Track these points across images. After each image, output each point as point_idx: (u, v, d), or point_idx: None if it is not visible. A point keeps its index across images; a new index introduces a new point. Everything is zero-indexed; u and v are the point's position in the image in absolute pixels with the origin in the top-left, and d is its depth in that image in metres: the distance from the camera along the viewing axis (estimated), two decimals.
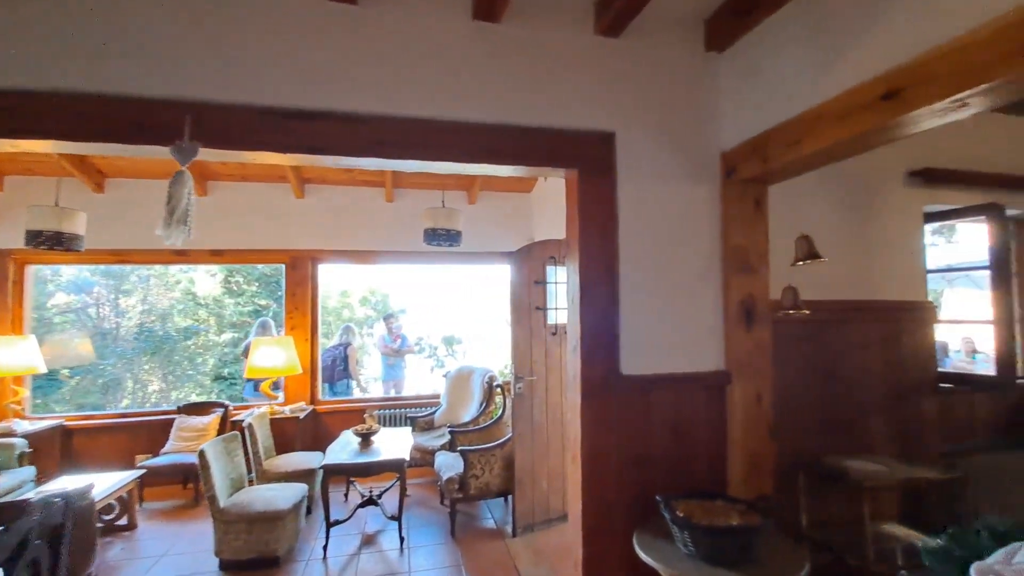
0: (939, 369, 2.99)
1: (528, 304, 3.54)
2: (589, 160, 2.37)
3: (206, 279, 9.51)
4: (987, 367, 4.64)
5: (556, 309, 3.61)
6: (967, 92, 1.48)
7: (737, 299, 2.41)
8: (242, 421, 4.04)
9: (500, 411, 4.14)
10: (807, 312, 2.50)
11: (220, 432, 4.38)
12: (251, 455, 3.85)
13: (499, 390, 4.46)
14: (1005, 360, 2.79)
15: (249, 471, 3.80)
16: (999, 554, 0.68)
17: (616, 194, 2.37)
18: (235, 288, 9.53)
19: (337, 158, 2.15)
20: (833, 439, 2.79)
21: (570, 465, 2.42)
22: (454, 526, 3.57)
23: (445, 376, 5.09)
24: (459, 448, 3.60)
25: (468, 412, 4.49)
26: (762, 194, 2.48)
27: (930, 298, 3.08)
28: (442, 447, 4.13)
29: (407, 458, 3.50)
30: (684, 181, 2.45)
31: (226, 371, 9.01)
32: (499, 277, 8.20)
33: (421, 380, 8.95)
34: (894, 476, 2.35)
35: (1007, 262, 2.88)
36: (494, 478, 3.52)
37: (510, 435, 3.55)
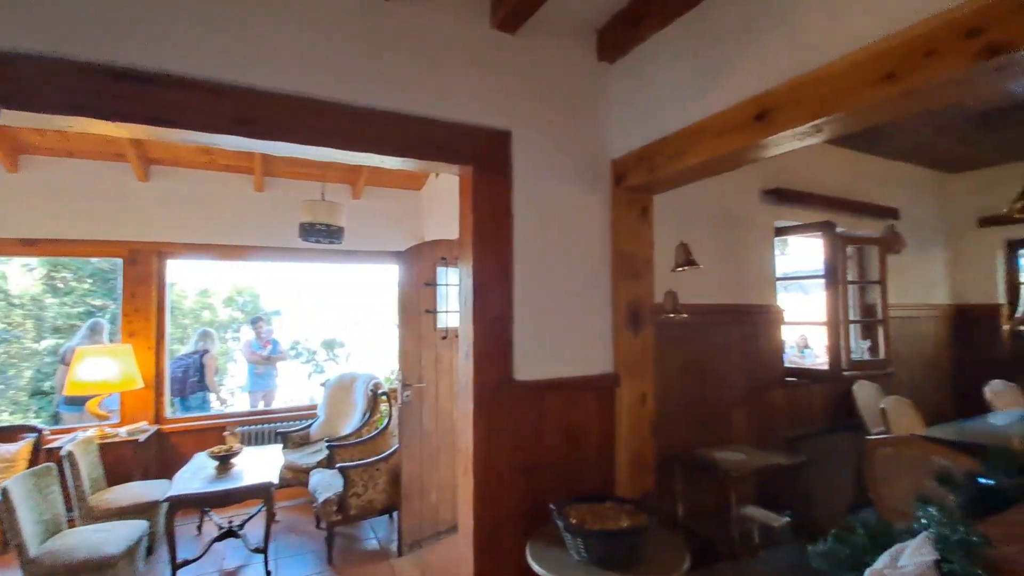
0: (785, 365, 3.40)
1: (417, 307, 3.36)
2: (484, 158, 2.27)
3: (22, 274, 7.77)
4: (813, 361, 5.44)
5: (447, 312, 3.47)
6: (823, 119, 1.64)
7: (625, 303, 2.49)
8: (59, 449, 3.30)
9: (386, 421, 3.89)
10: (685, 315, 2.66)
11: (33, 463, 3.54)
12: (72, 490, 3.15)
13: (385, 398, 4.19)
14: (835, 356, 3.26)
15: (70, 509, 3.11)
16: (884, 557, 0.68)
17: (511, 195, 2.31)
18: (61, 286, 7.91)
19: (189, 134, 1.80)
20: (703, 432, 3.02)
21: (461, 476, 2.30)
22: (332, 552, 3.25)
23: (324, 385, 4.68)
24: (338, 464, 3.30)
25: (350, 423, 4.16)
26: (648, 202, 2.59)
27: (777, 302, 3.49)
28: (319, 464, 3.76)
29: (276, 481, 3.12)
30: (577, 186, 2.47)
31: (47, 384, 7.44)
32: (386, 277, 7.82)
33: (297, 389, 8.21)
34: (752, 464, 2.59)
35: (837, 271, 3.37)
36: (378, 494, 3.27)
37: (396, 446, 3.33)
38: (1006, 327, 4.21)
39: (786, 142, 1.82)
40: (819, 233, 3.38)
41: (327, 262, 4.92)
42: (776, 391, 3.33)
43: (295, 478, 3.82)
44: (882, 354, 3.77)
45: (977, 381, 4.29)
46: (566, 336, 2.40)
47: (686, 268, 2.61)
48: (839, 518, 3.30)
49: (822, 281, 3.47)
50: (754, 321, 3.28)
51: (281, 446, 4.04)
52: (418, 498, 3.28)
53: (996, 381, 3.51)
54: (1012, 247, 4.34)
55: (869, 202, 3.81)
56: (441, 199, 4.58)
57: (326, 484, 3.32)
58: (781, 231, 3.53)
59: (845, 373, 3.46)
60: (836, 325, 3.30)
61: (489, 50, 2.29)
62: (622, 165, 2.48)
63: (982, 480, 1.00)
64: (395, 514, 3.42)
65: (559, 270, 2.40)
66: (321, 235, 3.43)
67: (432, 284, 3.43)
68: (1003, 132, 3.63)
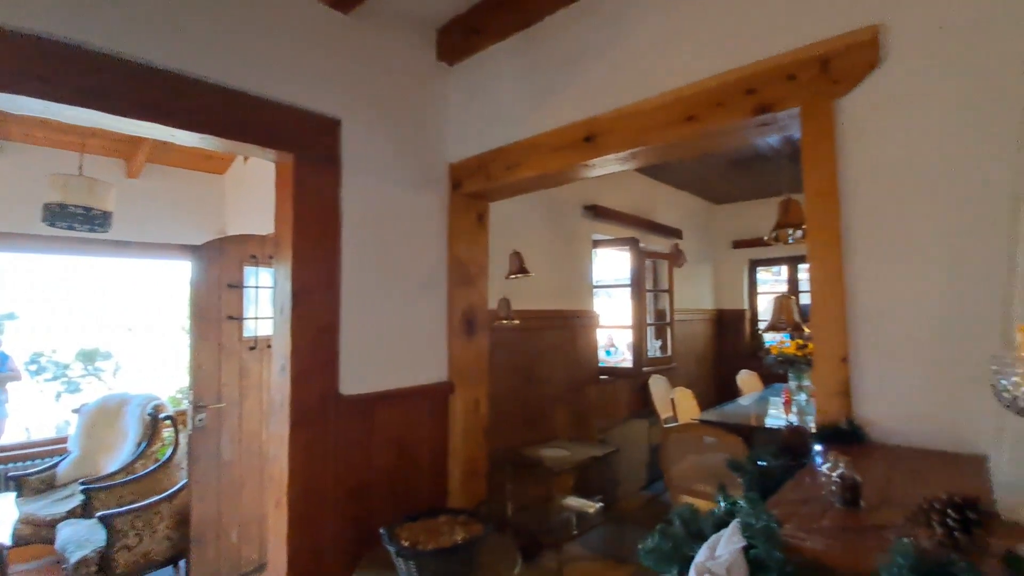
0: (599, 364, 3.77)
1: (218, 312, 2.84)
2: (309, 146, 2.02)
3: None
4: (618, 359, 6.21)
5: (257, 319, 3.01)
6: (639, 148, 1.83)
7: (460, 309, 2.46)
8: None
9: (170, 451, 3.20)
10: (517, 321, 2.75)
11: None
12: None
13: (169, 423, 3.45)
14: (639, 354, 3.74)
15: None
16: (704, 549, 0.73)
17: (340, 190, 2.09)
18: None
19: None
20: (530, 431, 3.17)
21: (273, 507, 1.99)
22: None
23: (79, 410, 3.66)
24: (99, 513, 2.59)
25: (117, 458, 3.32)
26: (485, 209, 2.60)
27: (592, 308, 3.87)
28: (70, 514, 2.92)
29: (6, 541, 2.31)
30: (413, 187, 2.36)
31: None
32: (174, 276, 6.54)
33: (38, 417, 6.34)
34: (573, 458, 2.80)
35: (641, 281, 3.88)
36: (159, 543, 2.66)
37: (184, 481, 2.76)
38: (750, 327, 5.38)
39: (610, 164, 1.99)
40: (627, 247, 3.86)
41: (89, 254, 3.88)
42: (591, 388, 3.67)
43: (36, 534, 2.90)
44: (669, 351, 4.46)
45: (732, 371, 5.38)
46: (400, 345, 2.26)
47: (519, 275, 2.69)
48: (635, 496, 3.78)
49: (627, 289, 3.96)
50: (575, 325, 3.57)
51: (15, 494, 3.05)
52: (213, 541, 2.76)
53: (743, 371, 4.44)
54: (753, 265, 5.56)
55: (661, 223, 4.48)
56: (252, 188, 3.98)
57: (81, 539, 2.58)
58: (596, 244, 3.91)
59: (644, 369, 3.99)
60: (640, 327, 3.80)
61: (319, 27, 2.04)
62: (460, 170, 2.45)
63: (760, 462, 1.19)
64: (182, 563, 2.83)
65: (393, 275, 2.26)
66: (77, 220, 2.67)
67: (238, 286, 2.94)
68: (751, 175, 4.61)
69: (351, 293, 2.09)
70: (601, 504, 3.02)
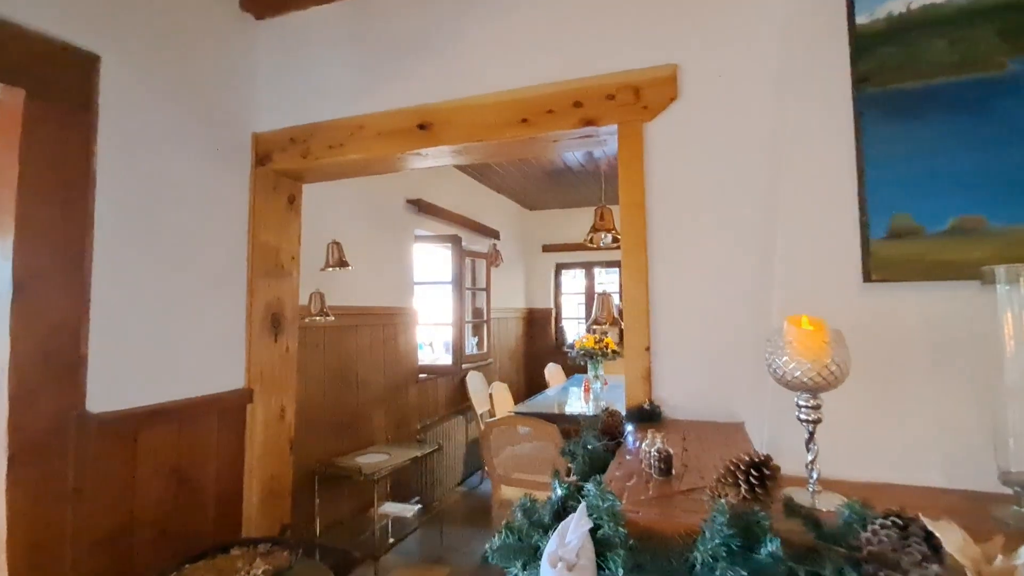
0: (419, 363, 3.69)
1: None
2: (49, 82, 1.50)
3: None
4: (430, 357, 6.21)
5: None
6: (472, 143, 1.82)
7: (264, 304, 2.12)
8: None
9: None
10: (333, 318, 2.49)
11: None
12: None
13: None
14: (459, 351, 3.77)
15: None
16: (555, 538, 0.73)
17: (95, 147, 1.61)
18: None
19: None
20: (345, 439, 2.92)
21: None
22: None
23: None
24: None
25: None
26: (297, 191, 2.30)
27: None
28: None
29: None
30: (206, 157, 1.95)
31: None
32: None
33: None
34: (391, 462, 2.66)
35: (462, 279, 3.91)
36: None
37: None
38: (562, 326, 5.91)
39: (443, 156, 1.94)
40: (449, 244, 3.85)
41: None
42: (411, 387, 3.56)
43: None
44: (486, 348, 4.61)
45: (541, 365, 5.83)
46: (181, 346, 1.84)
47: (337, 268, 2.45)
48: (452, 492, 3.80)
49: (443, 286, 3.96)
50: (395, 323, 3.42)
51: None
52: None
53: (550, 364, 4.85)
54: (559, 268, 6.14)
55: (482, 223, 4.61)
56: None
57: None
58: (418, 239, 3.82)
59: (463, 366, 4.03)
60: (460, 325, 3.83)
61: None
62: (268, 143, 2.12)
63: (589, 447, 1.27)
64: None
65: (173, 260, 1.83)
66: None
67: None
68: (560, 187, 5.07)
69: (108, 280, 1.62)
70: (420, 507, 2.95)
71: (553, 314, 6.06)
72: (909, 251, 1.01)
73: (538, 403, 3.85)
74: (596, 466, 1.22)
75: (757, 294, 1.34)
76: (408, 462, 2.66)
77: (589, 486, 0.81)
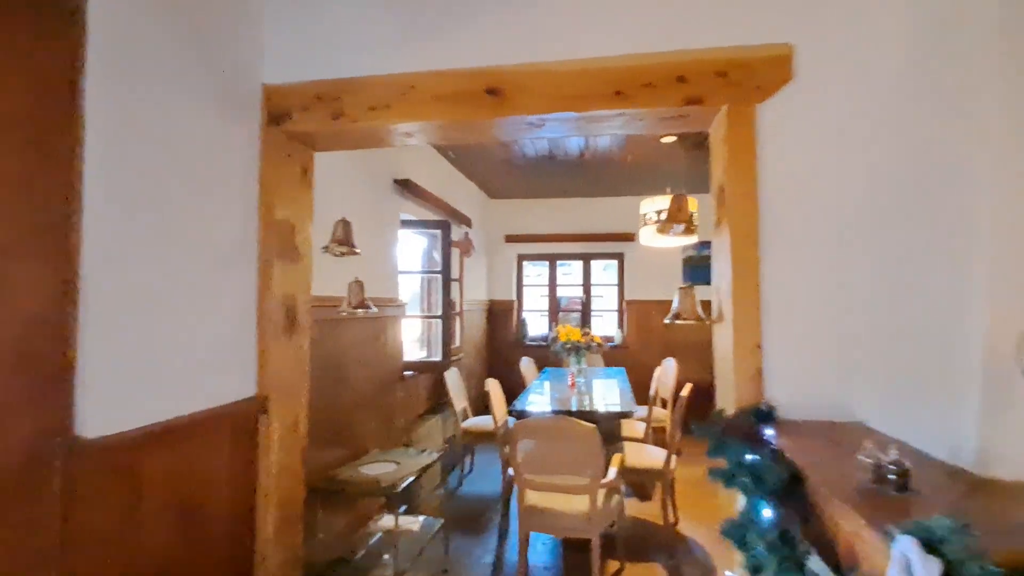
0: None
1: None
2: None
3: None
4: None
5: None
6: (555, 114, 1.60)
7: (280, 295, 1.75)
8: None
9: None
10: (376, 310, 2.14)
11: None
12: None
13: None
14: (447, 346, 3.49)
15: None
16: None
17: (84, 79, 1.19)
18: None
19: None
20: (339, 446, 2.56)
21: None
22: None
23: None
24: None
25: None
26: (310, 161, 1.93)
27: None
28: None
29: None
30: (208, 106, 1.55)
31: None
32: None
33: None
34: (404, 472, 2.38)
35: (451, 268, 3.62)
36: None
37: None
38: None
39: (516, 128, 1.71)
40: (438, 230, 3.55)
41: None
42: (397, 386, 3.24)
43: None
44: (459, 342, 4.35)
45: (502, 359, 5.67)
46: (185, 347, 1.45)
47: (344, 252, 2.10)
48: (432, 497, 3.54)
49: (420, 276, 3.65)
50: (384, 315, 3.07)
51: None
52: None
53: (524, 359, 4.70)
54: (520, 259, 5.99)
55: (458, 210, 4.33)
56: None
57: None
58: (403, 224, 3.47)
59: (452, 359, 3.75)
60: (449, 317, 3.55)
61: None
62: (284, 97, 1.74)
63: (746, 459, 1.15)
64: None
65: (176, 237, 1.43)
66: None
67: None
68: (525, 175, 4.91)
69: (99, 259, 1.22)
70: (424, 517, 2.69)
71: (515, 306, 5.91)
72: None
73: (536, 400, 3.62)
74: (766, 483, 1.10)
75: (888, 291, 1.29)
76: (419, 471, 2.39)
77: (939, 521, 0.68)
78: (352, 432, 2.70)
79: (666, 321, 1.73)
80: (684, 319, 1.63)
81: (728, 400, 1.53)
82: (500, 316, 5.86)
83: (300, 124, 1.73)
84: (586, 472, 2.26)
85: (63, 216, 1.15)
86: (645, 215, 3.02)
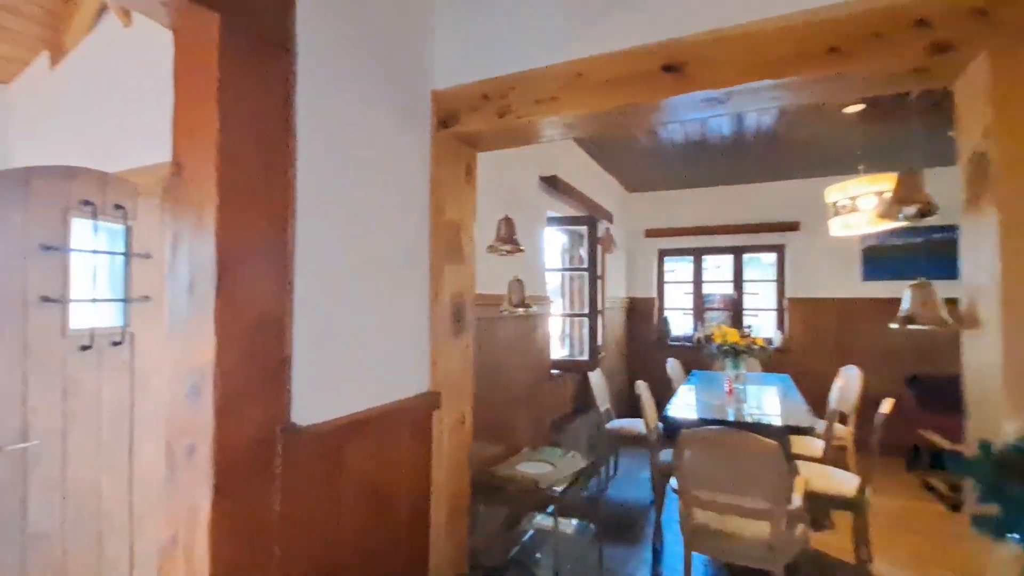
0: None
1: (20, 291, 1.72)
2: (248, 9, 1.19)
3: None
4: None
5: (96, 302, 1.92)
6: (746, 84, 1.40)
7: (449, 294, 1.79)
8: None
9: None
10: (535, 308, 2.15)
11: None
12: None
13: None
14: (594, 345, 3.40)
15: None
16: None
17: (295, 93, 1.29)
18: None
19: None
20: (498, 442, 2.61)
21: None
22: None
23: None
24: None
25: None
26: (473, 161, 1.96)
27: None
28: None
29: None
30: (389, 115, 1.63)
31: None
32: None
33: None
34: (562, 474, 2.32)
35: (598, 265, 3.53)
36: None
37: None
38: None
39: (693, 107, 1.53)
40: (584, 227, 3.47)
41: None
42: (545, 386, 3.22)
43: None
44: (600, 341, 4.22)
45: (642, 360, 5.41)
46: (373, 345, 1.53)
47: (509, 250, 2.10)
48: (577, 498, 3.45)
49: (562, 274, 3.59)
50: (533, 313, 3.06)
51: None
52: None
53: (670, 360, 4.41)
54: (662, 254, 5.65)
55: (600, 204, 4.20)
56: (69, 107, 2.67)
57: None
58: (549, 222, 3.45)
59: (600, 357, 3.65)
60: (596, 315, 3.46)
61: None
62: (452, 101, 1.77)
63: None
64: None
65: (365, 242, 1.51)
66: None
67: (57, 249, 1.83)
68: (667, 164, 4.57)
69: (307, 264, 1.32)
70: (578, 522, 2.61)
71: (656, 304, 5.60)
72: None
73: (686, 407, 3.34)
74: None
75: None
76: (577, 475, 2.32)
77: None
78: (506, 430, 2.73)
79: (893, 326, 1.42)
80: (921, 323, 1.31)
81: (988, 428, 1.20)
82: (640, 314, 5.59)
83: (467, 125, 1.74)
84: (766, 494, 1.99)
85: (282, 220, 1.27)
86: (836, 203, 2.58)
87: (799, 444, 3.35)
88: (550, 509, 2.93)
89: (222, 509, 1.12)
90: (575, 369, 3.60)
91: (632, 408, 4.53)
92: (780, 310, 5.17)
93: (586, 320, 3.53)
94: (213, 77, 1.13)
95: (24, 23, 2.62)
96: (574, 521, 2.62)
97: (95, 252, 1.92)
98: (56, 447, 1.78)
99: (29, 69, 2.86)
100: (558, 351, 3.96)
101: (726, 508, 2.05)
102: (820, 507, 2.84)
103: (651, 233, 5.53)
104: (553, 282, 4.04)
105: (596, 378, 3.86)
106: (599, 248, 3.94)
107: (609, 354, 4.70)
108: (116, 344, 1.97)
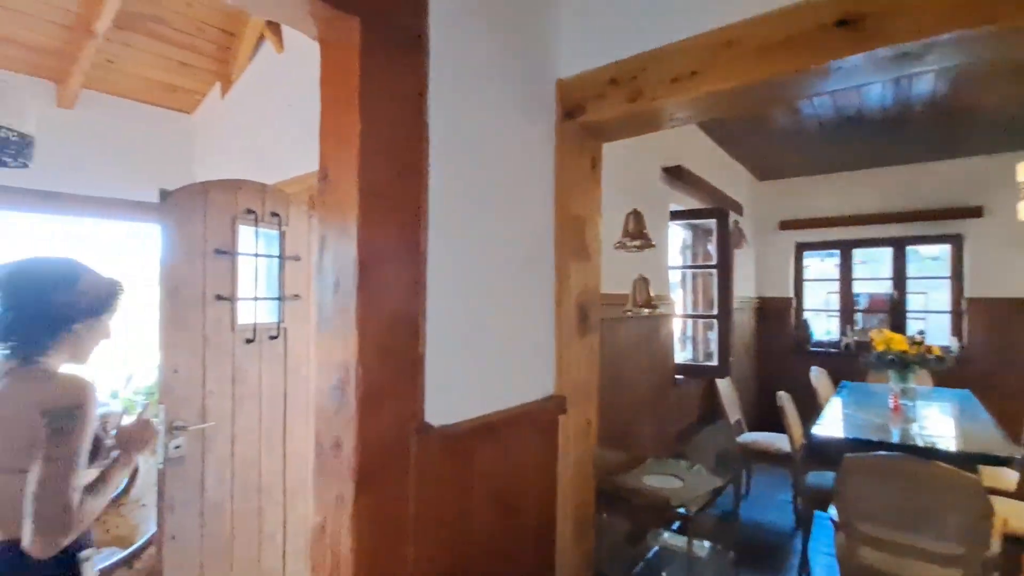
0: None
1: (200, 290, 1.97)
2: (386, 11, 1.21)
3: None
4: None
5: (256, 300, 2.15)
6: (941, 37, 1.13)
7: (575, 293, 1.71)
8: None
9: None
10: (661, 308, 2.02)
11: None
12: None
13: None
14: (725, 349, 3.12)
15: None
16: None
17: (428, 98, 1.30)
18: None
19: None
20: (622, 450, 2.48)
21: None
22: None
23: None
24: None
25: None
26: (598, 153, 1.86)
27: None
28: None
29: None
30: (514, 109, 1.58)
31: None
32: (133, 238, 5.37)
33: None
34: (694, 492, 2.12)
35: (729, 261, 3.24)
36: None
37: (150, 534, 1.91)
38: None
39: (868, 69, 1.28)
40: (713, 220, 3.19)
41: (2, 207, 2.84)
42: (669, 391, 3.01)
43: None
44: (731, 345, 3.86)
45: (776, 366, 4.88)
46: (500, 346, 1.50)
47: (640, 246, 1.96)
48: (705, 516, 3.17)
49: (684, 272, 3.31)
50: (655, 314, 2.87)
51: None
52: None
53: (814, 369, 3.91)
54: (800, 249, 5.05)
55: (728, 195, 3.84)
56: (234, 130, 3.06)
57: None
58: (673, 216, 3.22)
59: (730, 361, 3.34)
60: (727, 317, 3.17)
61: None
62: (577, 90, 1.68)
63: None
64: None
65: (488, 239, 1.49)
66: None
67: (228, 253, 2.07)
68: (810, 147, 4.03)
69: (439, 261, 1.32)
70: (711, 544, 2.38)
71: (793, 305, 5.01)
72: None
73: (837, 423, 2.87)
74: None
75: None
76: (712, 495, 2.10)
77: None
78: (629, 437, 2.59)
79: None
80: None
81: None
82: (773, 316, 5.04)
83: (594, 114, 1.65)
84: (959, 536, 1.63)
85: (416, 219, 1.28)
86: None
87: (986, 474, 2.76)
88: (675, 526, 2.72)
89: (364, 503, 1.15)
90: (702, 375, 3.32)
91: (765, 420, 4.08)
92: (956, 312, 4.33)
93: (714, 322, 3.23)
94: (355, 82, 1.17)
95: (202, 59, 3.04)
96: (706, 543, 2.39)
97: (256, 255, 2.14)
98: (227, 428, 2.02)
99: (206, 100, 3.33)
100: (679, 355, 3.69)
101: (904, 550, 1.71)
102: (1016, 552, 2.30)
103: (786, 225, 4.96)
104: (672, 280, 3.77)
105: (725, 386, 3.54)
106: (726, 243, 3.59)
107: (737, 359, 4.29)
108: (273, 338, 2.18)
